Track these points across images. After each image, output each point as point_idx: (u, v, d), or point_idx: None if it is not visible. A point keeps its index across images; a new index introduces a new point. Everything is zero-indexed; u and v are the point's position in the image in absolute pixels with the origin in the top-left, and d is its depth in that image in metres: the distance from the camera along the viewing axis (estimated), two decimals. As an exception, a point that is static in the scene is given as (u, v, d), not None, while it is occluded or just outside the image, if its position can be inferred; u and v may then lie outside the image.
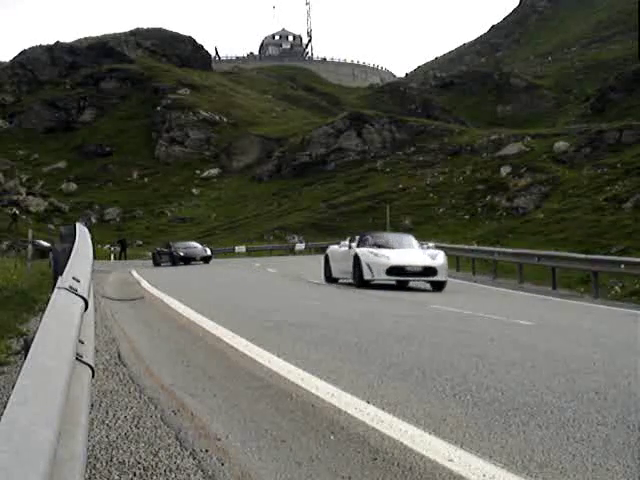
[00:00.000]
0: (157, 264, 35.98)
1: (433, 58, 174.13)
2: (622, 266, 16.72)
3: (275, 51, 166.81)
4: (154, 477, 3.36)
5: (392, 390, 5.04)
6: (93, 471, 3.41)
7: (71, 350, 2.47)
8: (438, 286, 16.94)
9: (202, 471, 3.40)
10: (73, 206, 72.36)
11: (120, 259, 47.16)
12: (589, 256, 18.60)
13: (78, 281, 3.82)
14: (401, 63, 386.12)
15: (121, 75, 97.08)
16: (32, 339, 2.37)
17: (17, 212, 54.13)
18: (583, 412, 4.43)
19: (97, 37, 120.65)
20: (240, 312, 10.57)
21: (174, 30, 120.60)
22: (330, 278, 18.79)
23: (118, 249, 49.95)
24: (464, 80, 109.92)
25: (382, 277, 16.96)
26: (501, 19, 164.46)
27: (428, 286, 17.18)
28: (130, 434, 4.04)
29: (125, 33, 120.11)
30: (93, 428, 4.05)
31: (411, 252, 17.75)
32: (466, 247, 28.61)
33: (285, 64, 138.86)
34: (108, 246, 52.45)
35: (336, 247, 19.35)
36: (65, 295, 3.30)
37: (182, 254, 35.44)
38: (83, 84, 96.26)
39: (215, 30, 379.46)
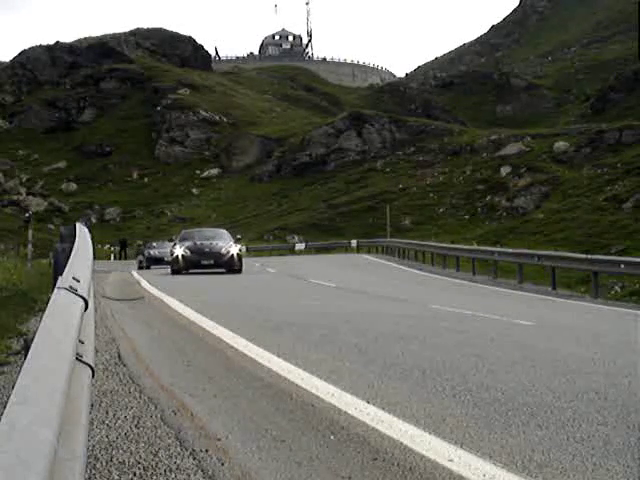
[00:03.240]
0: None
1: (433, 58, 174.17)
2: (622, 266, 16.72)
3: (275, 51, 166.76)
4: (154, 477, 3.36)
5: (392, 390, 5.04)
6: (93, 471, 3.41)
7: (71, 350, 2.47)
8: None
9: (202, 471, 3.40)
10: (73, 206, 72.35)
11: (120, 259, 47.20)
12: (589, 256, 18.59)
13: (78, 281, 3.81)
14: (401, 63, 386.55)
15: (121, 75, 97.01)
16: (32, 339, 2.37)
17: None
18: (583, 412, 4.43)
19: (97, 37, 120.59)
20: (240, 312, 10.57)
21: (174, 30, 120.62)
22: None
23: (118, 248, 49.86)
24: (464, 80, 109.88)
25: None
26: (501, 19, 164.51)
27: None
28: (130, 434, 4.04)
29: (125, 33, 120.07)
30: (93, 428, 4.05)
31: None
32: (466, 247, 28.60)
33: (285, 64, 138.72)
34: (108, 246, 52.42)
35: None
36: (65, 295, 3.30)
37: None
38: (83, 84, 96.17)
39: (215, 30, 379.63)
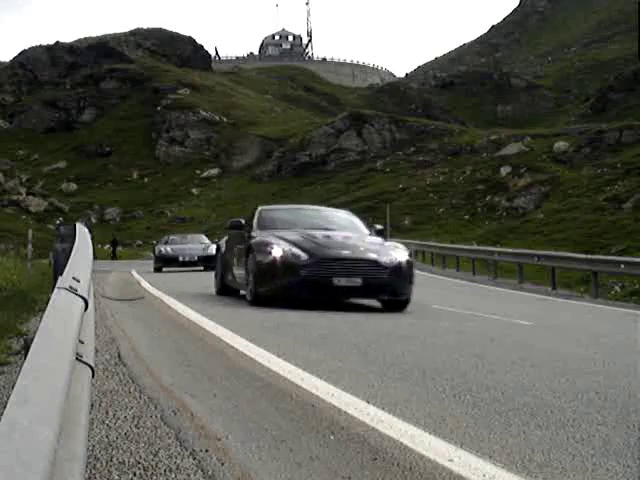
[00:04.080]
0: None
1: (433, 58, 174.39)
2: (622, 266, 16.73)
3: (275, 51, 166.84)
4: (154, 477, 3.35)
5: (392, 390, 5.03)
6: (93, 471, 3.40)
7: (71, 350, 2.47)
8: None
9: (202, 471, 3.39)
10: (73, 206, 72.35)
11: (114, 259, 46.08)
12: (589, 256, 18.62)
13: (78, 281, 3.81)
14: (401, 63, 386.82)
15: (121, 75, 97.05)
16: (32, 339, 2.37)
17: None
18: (583, 412, 4.43)
19: (97, 37, 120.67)
20: (240, 312, 10.56)
21: (174, 30, 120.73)
22: None
23: (111, 249, 49.06)
24: (464, 80, 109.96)
25: None
26: (501, 19, 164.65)
27: None
28: (130, 434, 4.04)
29: (125, 33, 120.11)
30: (93, 428, 4.05)
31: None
32: (466, 247, 28.61)
33: (285, 64, 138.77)
34: (108, 246, 52.28)
35: None
36: (65, 295, 3.30)
37: None
38: (83, 84, 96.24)
39: (215, 30, 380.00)
